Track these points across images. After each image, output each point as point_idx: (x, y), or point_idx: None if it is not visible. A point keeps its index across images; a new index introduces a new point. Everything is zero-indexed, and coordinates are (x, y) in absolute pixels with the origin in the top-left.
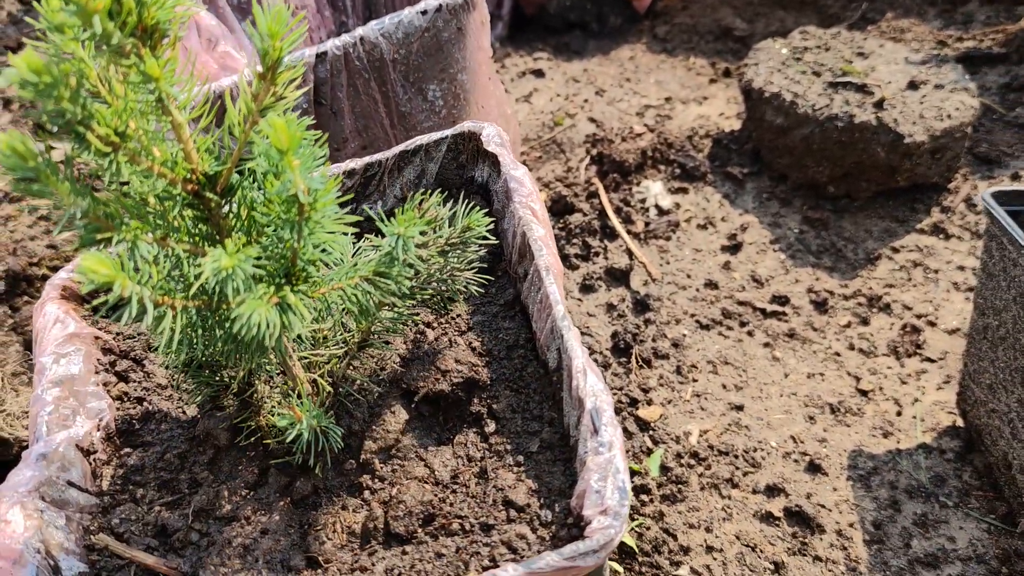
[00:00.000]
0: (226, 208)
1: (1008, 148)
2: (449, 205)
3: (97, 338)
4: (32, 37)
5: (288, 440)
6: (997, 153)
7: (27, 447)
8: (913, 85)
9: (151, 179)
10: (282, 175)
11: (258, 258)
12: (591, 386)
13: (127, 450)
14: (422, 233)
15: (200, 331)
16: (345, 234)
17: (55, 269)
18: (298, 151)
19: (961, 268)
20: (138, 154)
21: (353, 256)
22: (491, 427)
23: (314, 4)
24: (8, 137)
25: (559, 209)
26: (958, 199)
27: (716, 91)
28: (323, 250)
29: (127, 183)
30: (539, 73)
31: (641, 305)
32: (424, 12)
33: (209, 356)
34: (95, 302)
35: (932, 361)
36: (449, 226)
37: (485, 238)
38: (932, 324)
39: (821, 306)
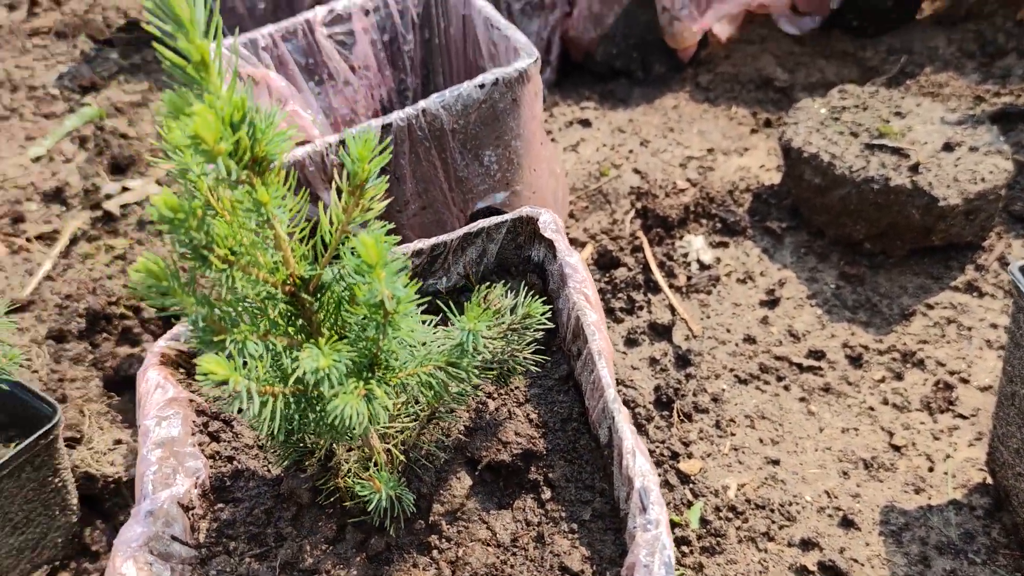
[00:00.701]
0: (316, 305)
1: None
2: (509, 292)
3: (192, 401)
4: (103, 77)
5: (369, 508)
6: None
7: (111, 483)
8: (948, 147)
9: (257, 285)
10: (370, 284)
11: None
12: (639, 466)
13: (220, 505)
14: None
15: (296, 415)
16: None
17: (132, 308)
18: (384, 263)
19: (994, 326)
20: (249, 265)
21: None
22: (547, 494)
23: (375, 64)
24: (146, 261)
25: (605, 263)
26: (992, 257)
27: (757, 141)
28: (402, 341)
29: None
30: (586, 123)
31: (682, 360)
32: (482, 85)
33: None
34: (211, 395)
35: (964, 417)
36: (511, 313)
37: (542, 323)
38: (965, 381)
39: (856, 361)
